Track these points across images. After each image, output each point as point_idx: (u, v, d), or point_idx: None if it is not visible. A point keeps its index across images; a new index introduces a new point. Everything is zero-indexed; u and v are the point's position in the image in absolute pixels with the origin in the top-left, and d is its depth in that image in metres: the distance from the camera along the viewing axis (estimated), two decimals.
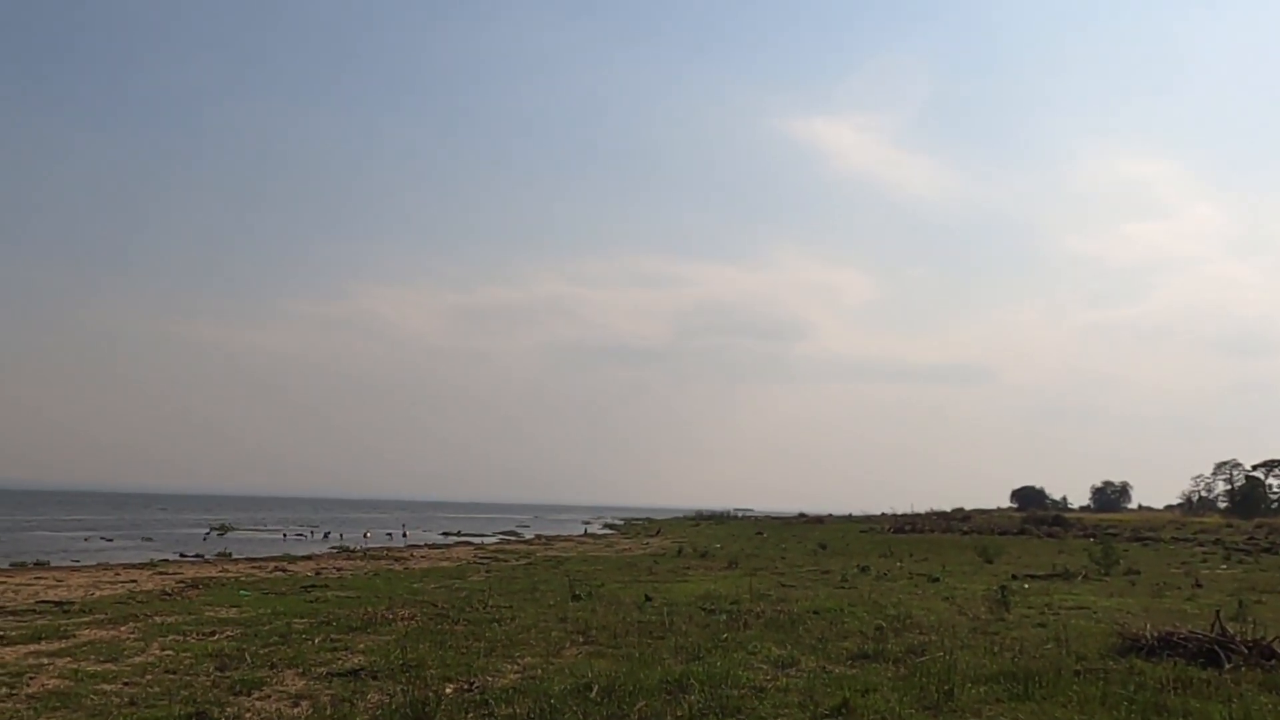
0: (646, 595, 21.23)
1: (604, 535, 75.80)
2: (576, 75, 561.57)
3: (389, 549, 49.26)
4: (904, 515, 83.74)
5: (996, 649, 13.89)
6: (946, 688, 10.79)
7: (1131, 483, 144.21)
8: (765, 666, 12.44)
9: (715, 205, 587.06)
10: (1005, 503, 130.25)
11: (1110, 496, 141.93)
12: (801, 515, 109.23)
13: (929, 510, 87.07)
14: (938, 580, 26.60)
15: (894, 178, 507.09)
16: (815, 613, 18.09)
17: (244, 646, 13.82)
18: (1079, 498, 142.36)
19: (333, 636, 14.86)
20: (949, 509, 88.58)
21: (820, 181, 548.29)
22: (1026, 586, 24.54)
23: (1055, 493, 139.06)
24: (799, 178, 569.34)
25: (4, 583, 26.00)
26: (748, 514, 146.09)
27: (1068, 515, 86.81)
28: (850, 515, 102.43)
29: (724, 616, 17.37)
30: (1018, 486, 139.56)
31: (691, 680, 11.07)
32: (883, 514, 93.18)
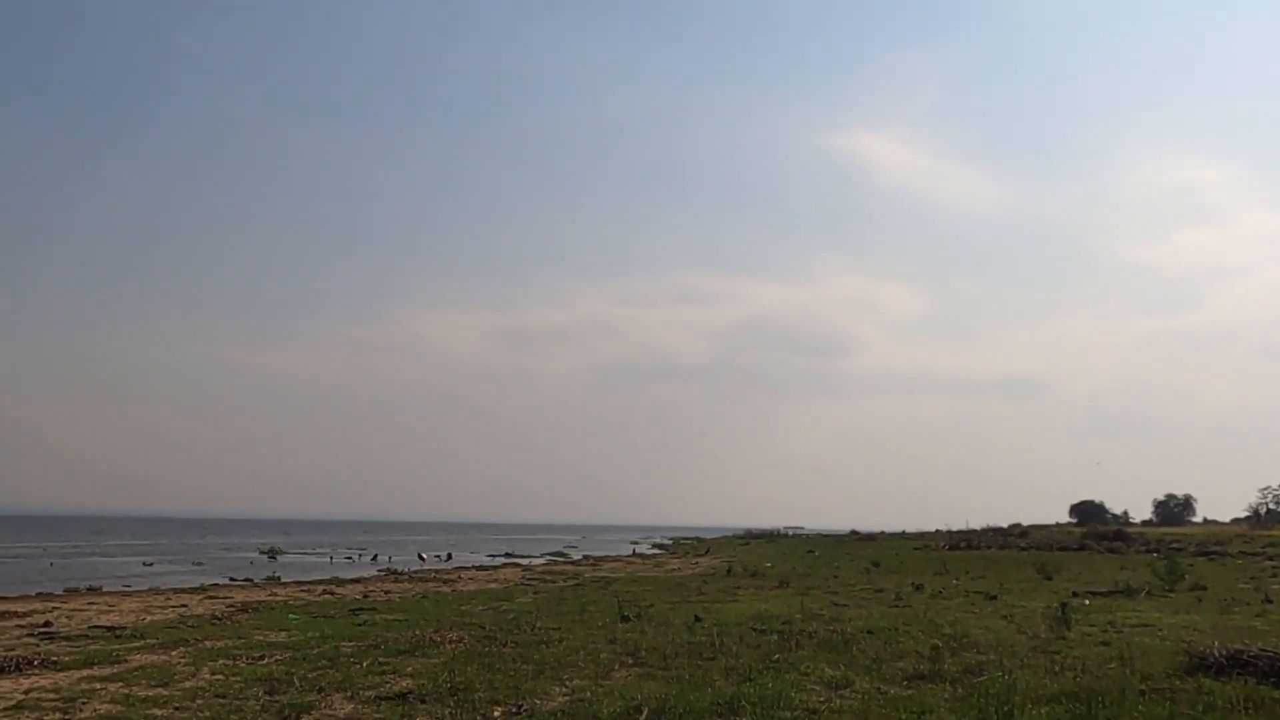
0: (696, 616, 21.14)
1: (652, 555, 75.65)
2: (610, 90, 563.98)
3: (436, 571, 49.59)
4: (959, 532, 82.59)
5: (1058, 668, 13.63)
6: (1006, 709, 10.60)
7: (1195, 496, 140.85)
8: (818, 688, 12.32)
9: (756, 220, 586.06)
10: (1064, 518, 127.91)
11: (1173, 510, 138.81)
12: (853, 533, 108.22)
13: (985, 526, 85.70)
14: (995, 598, 26.19)
15: (938, 189, 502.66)
16: (869, 632, 17.89)
17: (293, 670, 13.96)
18: (1141, 512, 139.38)
19: (381, 660, 14.96)
20: (1005, 525, 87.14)
21: (862, 194, 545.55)
22: (1088, 604, 24.05)
23: (1116, 507, 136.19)
24: (841, 191, 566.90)
25: (57, 608, 26.54)
26: (798, 532, 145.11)
27: (1129, 530, 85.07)
28: (903, 532, 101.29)
29: (776, 637, 17.24)
30: (1076, 501, 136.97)
31: (743, 702, 11.00)
32: (937, 531, 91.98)
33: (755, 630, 18.39)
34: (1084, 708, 10.71)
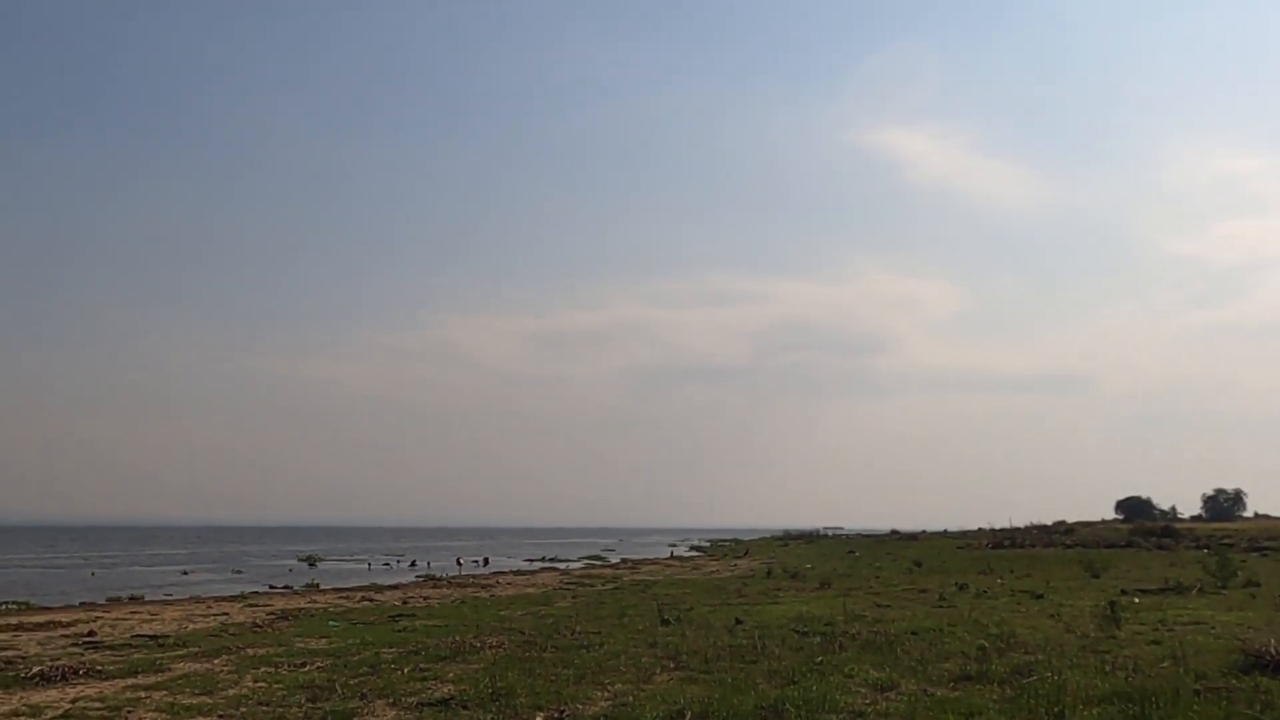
0: (737, 618, 21.08)
1: (690, 558, 75.54)
2: (640, 93, 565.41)
3: (474, 576, 49.84)
4: (1002, 530, 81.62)
5: (1109, 668, 13.43)
6: (1057, 710, 10.47)
7: (1246, 490, 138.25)
8: (864, 690, 12.22)
9: (790, 220, 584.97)
10: (1109, 514, 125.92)
11: (1223, 505, 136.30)
12: (894, 533, 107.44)
13: (1028, 524, 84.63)
14: (1041, 597, 25.89)
15: (973, 185, 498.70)
16: (914, 633, 17.75)
17: (334, 677, 14.07)
18: (1189, 507, 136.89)
19: (422, 666, 15.04)
20: (1049, 522, 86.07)
21: (897, 192, 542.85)
22: (1137, 601, 23.70)
23: (1163, 502, 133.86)
24: (875, 189, 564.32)
25: (101, 617, 26.93)
26: (838, 533, 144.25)
27: (1178, 526, 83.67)
28: (945, 531, 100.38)
29: (818, 639, 17.13)
30: (1122, 497, 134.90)
31: (787, 705, 10.92)
32: (979, 529, 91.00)
33: (797, 632, 18.29)
34: (1137, 708, 10.53)
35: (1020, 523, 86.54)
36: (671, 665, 14.64)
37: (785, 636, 17.67)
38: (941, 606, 23.93)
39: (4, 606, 33.37)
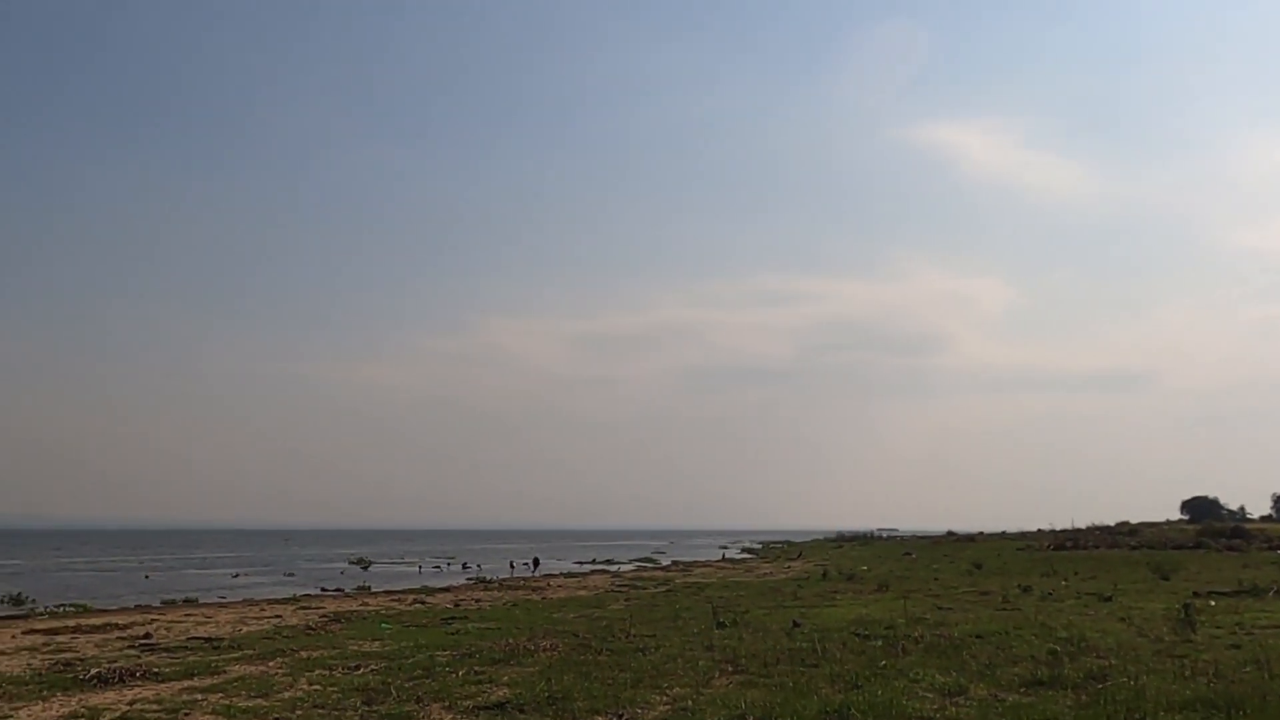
0: (794, 621, 20.82)
1: (743, 560, 75.17)
2: (685, 94, 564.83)
3: (525, 579, 49.95)
4: (1064, 531, 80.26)
5: (1188, 673, 13.01)
6: (1136, 716, 10.13)
7: None
8: (931, 695, 11.92)
9: (837, 218, 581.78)
10: (1175, 515, 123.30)
11: None
12: (950, 534, 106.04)
13: (1090, 525, 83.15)
14: (1110, 599, 25.30)
15: (1028, 180, 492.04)
16: (978, 636, 17.37)
17: (389, 680, 14.05)
18: (1259, 506, 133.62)
19: (476, 669, 14.98)
20: (1112, 523, 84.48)
21: (949, 188, 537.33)
22: (1213, 604, 23.07)
23: (1230, 502, 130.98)
24: (925, 186, 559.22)
25: (156, 619, 27.32)
26: (892, 534, 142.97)
27: (1248, 526, 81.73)
28: (1004, 533, 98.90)
29: (880, 642, 16.83)
30: (1188, 497, 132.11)
31: (852, 710, 10.68)
32: (1039, 530, 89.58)
33: (857, 635, 17.99)
34: (1222, 715, 10.17)
35: (1081, 523, 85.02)
36: (730, 669, 14.44)
37: (845, 640, 17.37)
38: (1005, 609, 23.46)
39: (63, 609, 34.02)
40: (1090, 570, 39.41)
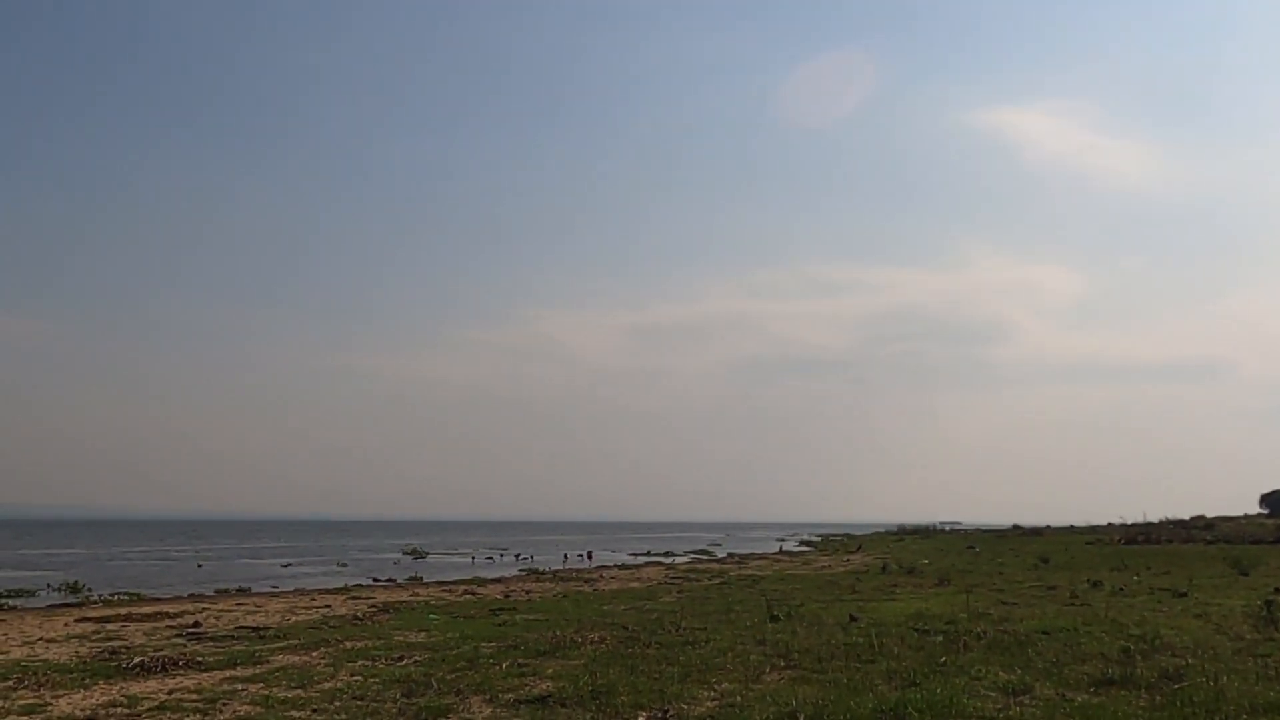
0: (851, 615, 20.37)
1: (800, 552, 74.58)
2: (739, 80, 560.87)
3: (577, 570, 49.93)
4: (1135, 525, 78.36)
5: (1271, 674, 12.40)
6: (1216, 719, 9.61)
7: None
8: (993, 694, 11.47)
9: (895, 205, 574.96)
10: (1253, 508, 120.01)
11: None
12: (1015, 527, 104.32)
13: (1163, 519, 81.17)
14: (1185, 595, 24.45)
15: (1096, 164, 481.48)
16: (1045, 633, 16.80)
17: (431, 672, 13.91)
18: None
19: (520, 661, 14.80)
20: (1186, 517, 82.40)
21: (1012, 174, 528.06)
22: None
23: None
24: (988, 171, 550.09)
25: (207, 608, 27.62)
26: (955, 527, 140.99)
27: None
28: (1072, 527, 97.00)
29: (940, 638, 16.34)
30: (1267, 490, 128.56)
31: (909, 709, 10.29)
32: (1109, 524, 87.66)
33: (917, 630, 17.52)
34: None
35: (1154, 517, 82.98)
36: (782, 664, 14.09)
37: (904, 635, 16.91)
38: (1074, 605, 22.78)
39: (116, 597, 34.61)
40: (1163, 565, 38.30)
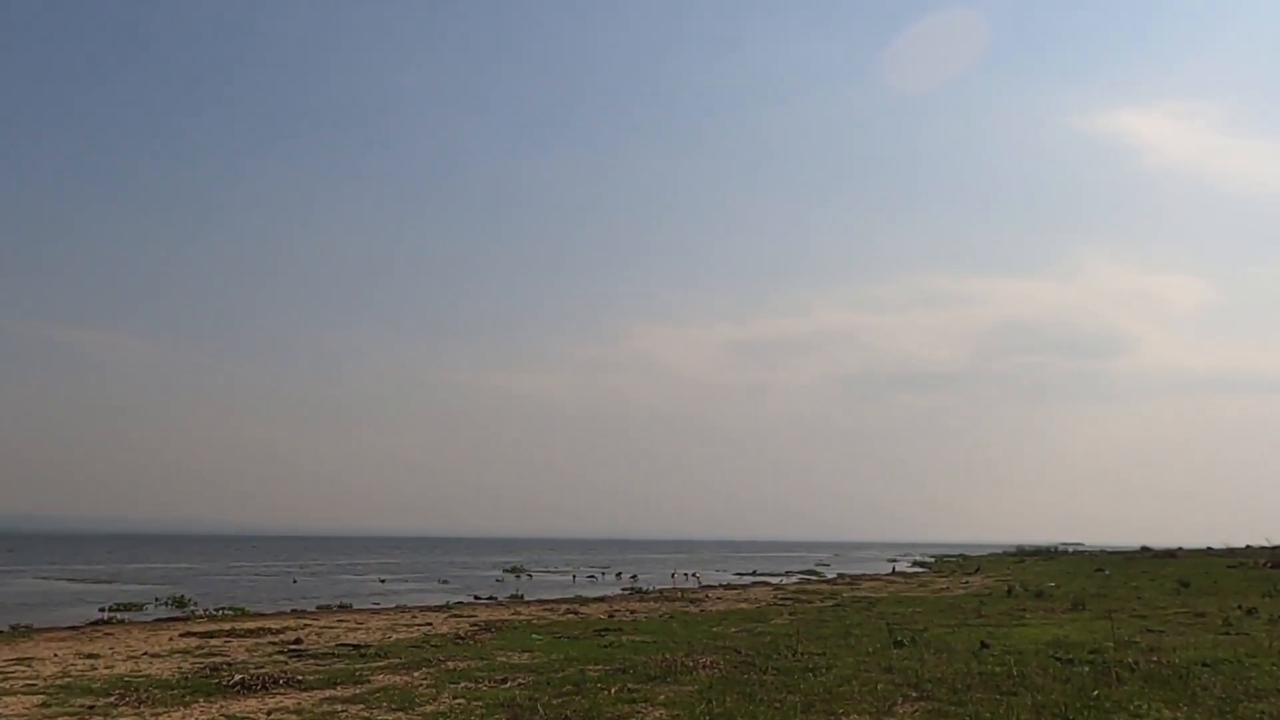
0: (982, 641, 19.31)
1: (915, 574, 72.61)
2: (830, 90, 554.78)
3: (682, 590, 49.26)
4: None
5: None
6: None
7: None
8: None
9: (1003, 214, 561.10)
10: None
11: None
12: (1145, 549, 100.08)
13: None
14: None
15: (1222, 168, 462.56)
16: (1205, 665, 15.56)
17: (536, 696, 13.44)
18: None
19: (629, 686, 14.23)
20: None
21: (1131, 179, 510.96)
22: None
23: None
24: (1105, 177, 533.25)
25: (309, 625, 27.77)
26: (1078, 549, 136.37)
27: None
28: (1209, 549, 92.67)
29: (1086, 668, 15.25)
30: None
31: None
32: (1248, 546, 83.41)
33: (1058, 660, 16.43)
34: None
35: None
36: (914, 694, 13.25)
37: (1045, 664, 15.86)
38: (1229, 634, 21.27)
39: (221, 612, 35.19)
40: None
